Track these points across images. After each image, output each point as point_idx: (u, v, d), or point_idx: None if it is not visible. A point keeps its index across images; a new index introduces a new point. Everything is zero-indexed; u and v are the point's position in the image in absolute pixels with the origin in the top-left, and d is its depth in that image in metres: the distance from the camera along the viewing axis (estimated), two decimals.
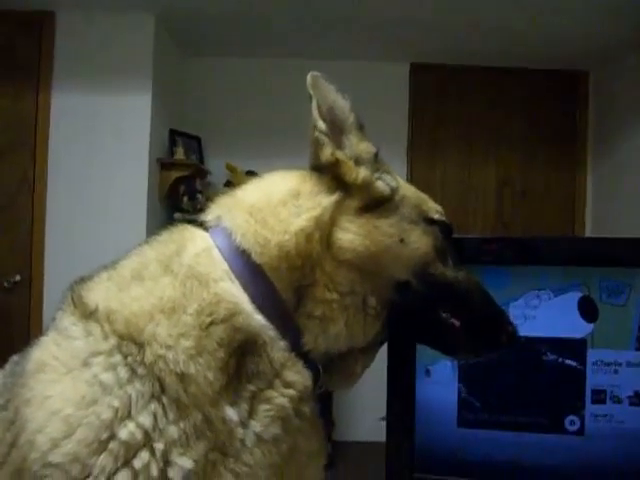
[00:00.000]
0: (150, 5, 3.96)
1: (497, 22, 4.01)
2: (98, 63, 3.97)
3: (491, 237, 1.28)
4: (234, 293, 0.87)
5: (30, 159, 4.02)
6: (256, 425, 0.85)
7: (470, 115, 4.83)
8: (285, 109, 4.30)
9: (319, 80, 0.94)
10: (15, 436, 0.81)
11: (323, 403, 0.94)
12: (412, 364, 1.27)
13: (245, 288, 0.87)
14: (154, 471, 0.78)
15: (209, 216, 0.96)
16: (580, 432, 1.23)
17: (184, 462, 0.79)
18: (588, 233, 4.82)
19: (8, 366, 0.92)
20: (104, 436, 0.78)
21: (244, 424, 0.84)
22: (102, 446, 0.77)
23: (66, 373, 0.81)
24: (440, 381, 1.27)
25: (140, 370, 0.81)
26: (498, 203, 4.85)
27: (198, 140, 4.69)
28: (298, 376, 0.88)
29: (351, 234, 0.91)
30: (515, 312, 1.25)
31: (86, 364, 0.81)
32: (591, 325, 1.23)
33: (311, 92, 0.93)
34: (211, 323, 0.84)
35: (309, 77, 0.93)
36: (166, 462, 0.79)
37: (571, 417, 1.24)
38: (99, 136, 3.94)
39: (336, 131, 0.95)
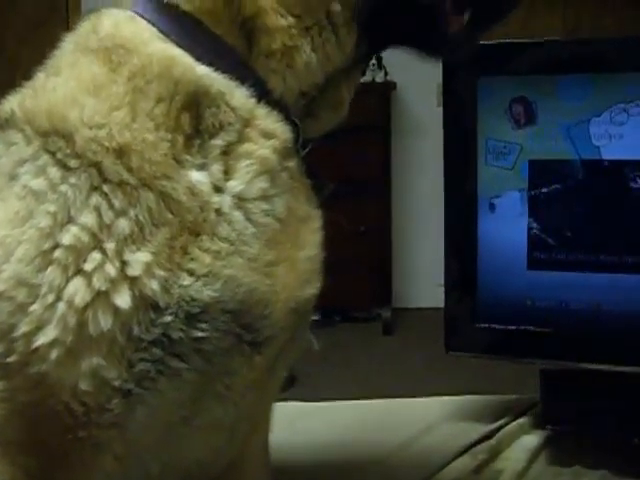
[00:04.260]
0: None
1: None
2: None
3: (564, 40, 1.07)
4: (168, 49, 0.73)
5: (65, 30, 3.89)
6: (235, 184, 0.71)
7: None
8: None
9: None
10: None
11: (309, 164, 0.79)
12: (474, 197, 1.10)
13: (180, 45, 0.73)
14: (111, 270, 0.66)
15: None
16: None
17: (139, 257, 0.67)
18: None
19: None
20: (46, 246, 0.66)
21: (219, 188, 0.71)
22: (46, 259, 0.66)
23: None
24: (507, 216, 1.10)
25: (72, 163, 0.68)
26: None
27: None
28: (279, 124, 0.74)
29: None
30: (597, 130, 1.06)
31: (13, 177, 0.70)
32: None
33: None
34: (146, 83, 0.71)
35: None
36: (122, 262, 0.67)
37: None
38: None
39: None
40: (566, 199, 1.09)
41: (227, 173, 0.71)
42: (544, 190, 1.09)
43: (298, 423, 0.90)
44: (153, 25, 0.74)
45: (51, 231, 0.66)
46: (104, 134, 0.68)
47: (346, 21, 0.76)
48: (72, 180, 0.68)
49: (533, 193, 1.09)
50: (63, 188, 0.67)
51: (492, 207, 1.11)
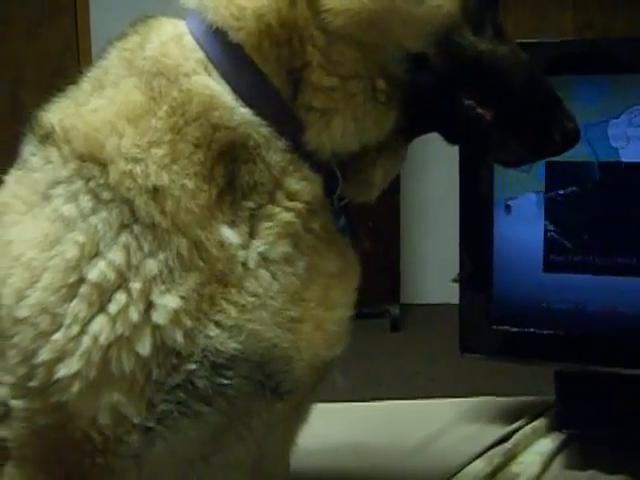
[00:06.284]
0: None
1: None
2: None
3: (582, 40, 1.06)
4: (209, 85, 0.70)
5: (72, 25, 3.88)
6: (259, 244, 0.70)
7: None
8: None
9: None
10: None
11: (348, 216, 0.77)
12: (489, 199, 1.08)
13: (225, 77, 0.71)
14: (134, 315, 0.66)
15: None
16: None
17: (168, 301, 0.66)
18: None
19: None
20: (72, 279, 0.66)
21: (245, 246, 0.70)
22: (72, 291, 0.66)
23: (27, 211, 0.70)
24: (523, 218, 1.09)
25: (105, 195, 0.67)
26: None
27: None
28: (304, 183, 0.71)
29: None
30: (615, 132, 1.04)
31: (46, 197, 0.69)
32: None
33: None
34: (185, 124, 0.69)
35: None
36: (148, 304, 0.66)
37: None
38: None
39: None
40: (583, 201, 1.07)
41: (251, 234, 0.71)
42: (561, 192, 1.07)
43: (311, 425, 0.91)
44: (201, 48, 0.72)
45: (77, 263, 0.66)
46: (139, 171, 0.67)
47: (389, 98, 0.73)
48: (103, 214, 0.67)
49: (550, 195, 1.08)
50: (93, 220, 0.67)
51: (508, 209, 1.09)
